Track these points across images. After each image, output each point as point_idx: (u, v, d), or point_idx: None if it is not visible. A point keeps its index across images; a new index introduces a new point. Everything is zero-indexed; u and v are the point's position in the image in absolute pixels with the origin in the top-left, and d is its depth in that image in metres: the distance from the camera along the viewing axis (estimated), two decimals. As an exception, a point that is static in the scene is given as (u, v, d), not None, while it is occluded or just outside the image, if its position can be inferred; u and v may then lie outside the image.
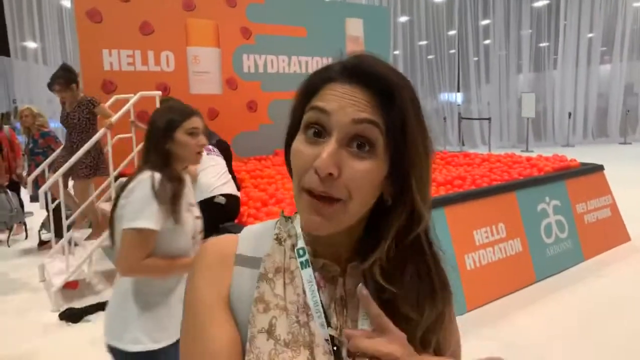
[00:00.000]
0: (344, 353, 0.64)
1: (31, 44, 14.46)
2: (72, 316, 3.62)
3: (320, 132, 0.60)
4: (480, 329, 3.20)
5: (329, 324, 0.65)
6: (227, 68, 6.56)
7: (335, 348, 0.64)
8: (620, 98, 15.89)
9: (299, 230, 0.70)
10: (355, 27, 7.72)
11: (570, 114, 15.61)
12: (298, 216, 0.71)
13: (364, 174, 0.59)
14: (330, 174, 0.58)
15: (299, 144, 0.62)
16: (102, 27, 5.54)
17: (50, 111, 10.57)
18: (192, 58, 6.23)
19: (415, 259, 0.67)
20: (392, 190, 0.64)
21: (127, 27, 5.70)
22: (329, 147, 0.58)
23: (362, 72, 0.61)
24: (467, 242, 3.79)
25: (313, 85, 0.64)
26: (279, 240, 0.70)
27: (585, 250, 4.62)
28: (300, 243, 0.69)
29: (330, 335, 0.64)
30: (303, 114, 0.64)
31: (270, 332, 0.63)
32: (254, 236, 0.73)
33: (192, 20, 6.19)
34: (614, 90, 15.94)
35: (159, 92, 4.46)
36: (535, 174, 4.74)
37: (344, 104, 0.60)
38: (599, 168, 5.25)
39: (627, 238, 5.10)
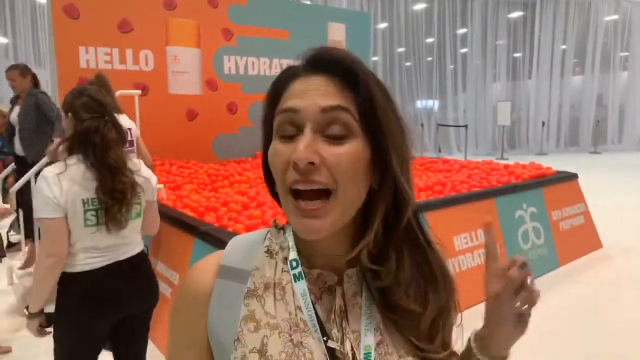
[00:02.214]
0: None
1: (2, 40, 14.04)
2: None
3: (293, 133, 0.59)
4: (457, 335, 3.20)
5: (328, 337, 0.61)
6: (208, 69, 6.48)
7: None
8: (592, 109, 16.39)
9: (291, 242, 0.66)
10: (337, 32, 7.75)
11: (543, 123, 16.00)
12: (290, 226, 0.67)
13: (345, 157, 0.58)
14: (311, 163, 0.56)
15: (275, 146, 0.61)
16: (79, 23, 5.40)
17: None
18: (172, 58, 6.14)
19: (411, 247, 0.65)
20: (377, 176, 0.62)
21: (105, 24, 5.58)
22: (304, 137, 0.57)
23: (321, 60, 0.61)
24: (447, 247, 3.79)
25: (278, 89, 0.64)
26: (269, 253, 0.67)
27: (560, 257, 4.71)
28: (293, 254, 0.65)
29: (330, 349, 0.61)
30: (272, 120, 0.63)
31: (262, 352, 0.60)
32: (241, 247, 0.69)
33: (173, 20, 6.10)
34: (585, 101, 16.42)
35: (138, 91, 4.36)
36: (512, 181, 4.82)
37: (311, 95, 0.59)
38: (573, 176, 5.37)
39: (599, 245, 5.22)
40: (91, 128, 1.76)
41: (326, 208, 0.58)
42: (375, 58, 16.05)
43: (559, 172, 5.37)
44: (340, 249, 0.65)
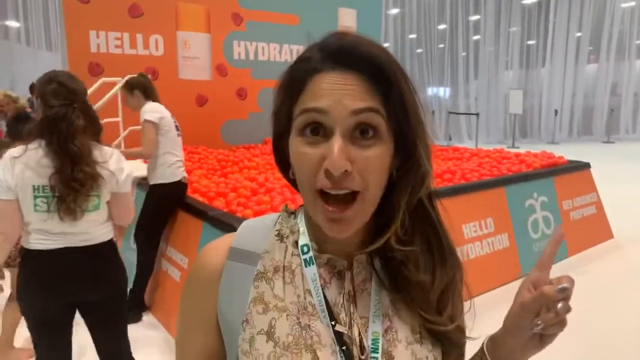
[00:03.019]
0: (354, 351, 0.61)
1: (14, 24, 14.07)
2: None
3: (317, 129, 0.58)
4: (465, 322, 3.21)
5: (336, 322, 0.62)
6: (217, 54, 6.47)
7: (344, 347, 0.61)
8: (606, 97, 16.11)
9: (302, 227, 0.66)
10: (348, 17, 7.68)
11: (556, 112, 15.78)
12: (302, 211, 0.69)
13: (375, 161, 0.57)
14: (346, 171, 0.55)
15: (299, 147, 0.58)
16: (90, 7, 5.40)
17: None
18: (182, 43, 6.13)
19: (423, 223, 0.65)
20: (397, 164, 0.62)
21: (115, 9, 5.57)
22: (336, 143, 0.55)
23: (348, 55, 0.57)
24: (456, 235, 3.78)
25: (296, 80, 0.60)
26: (280, 237, 0.68)
27: (570, 247, 4.68)
28: (304, 239, 0.66)
29: (338, 333, 0.61)
30: (291, 113, 0.60)
31: (269, 333, 0.61)
32: (252, 230, 0.70)
33: (183, 5, 6.08)
34: (599, 89, 16.15)
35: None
36: (523, 169, 4.77)
37: (339, 96, 0.56)
38: (585, 166, 5.30)
39: (610, 235, 5.18)
40: (59, 115, 1.75)
41: (354, 210, 0.58)
42: (386, 44, 15.86)
43: (571, 162, 5.31)
44: (356, 237, 0.65)
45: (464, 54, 16.78)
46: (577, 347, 3.06)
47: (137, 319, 3.33)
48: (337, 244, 0.65)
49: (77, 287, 1.86)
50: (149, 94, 3.39)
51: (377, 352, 0.61)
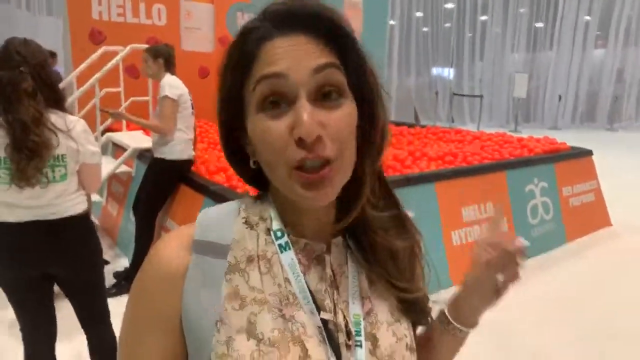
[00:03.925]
0: (340, 338, 0.59)
1: (14, -13, 13.81)
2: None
3: (278, 102, 0.53)
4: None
5: (321, 309, 0.59)
6: (221, 26, 6.37)
7: (330, 335, 0.58)
8: (611, 84, 15.96)
9: (273, 212, 0.62)
10: (354, -7, 7.53)
11: (560, 97, 15.66)
12: (267, 195, 0.65)
13: (345, 122, 0.54)
14: (319, 136, 0.52)
15: (261, 123, 0.54)
16: (92, -27, 5.29)
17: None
18: (185, 13, 6.03)
19: (384, 191, 0.67)
20: (362, 124, 0.58)
21: (118, -25, 5.46)
22: (304, 108, 0.51)
23: (297, 17, 0.54)
24: (455, 218, 3.81)
25: (246, 54, 0.55)
26: (249, 224, 0.61)
27: (568, 233, 4.69)
28: (276, 224, 0.61)
29: (323, 321, 0.58)
30: (243, 95, 0.56)
31: (250, 331, 0.55)
32: (215, 220, 0.62)
33: (187, -27, 5.95)
34: (604, 76, 15.98)
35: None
36: (525, 154, 4.76)
37: (295, 57, 0.53)
38: (587, 153, 5.29)
39: (608, 223, 5.19)
40: (2, 80, 1.68)
41: (331, 174, 0.54)
42: (392, 22, 15.66)
43: (573, 148, 5.29)
44: (328, 215, 0.62)
45: (470, 34, 16.55)
46: (574, 331, 3.10)
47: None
48: (313, 227, 0.62)
49: (44, 260, 1.83)
50: (170, 66, 3.36)
51: (361, 335, 0.60)
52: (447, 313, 0.73)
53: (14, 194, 1.73)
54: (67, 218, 1.85)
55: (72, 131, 1.80)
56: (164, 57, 3.32)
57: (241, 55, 0.56)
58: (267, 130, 0.53)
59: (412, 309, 0.68)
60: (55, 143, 1.75)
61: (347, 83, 0.55)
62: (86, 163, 1.88)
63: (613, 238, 4.88)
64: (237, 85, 0.57)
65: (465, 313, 0.72)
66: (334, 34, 0.55)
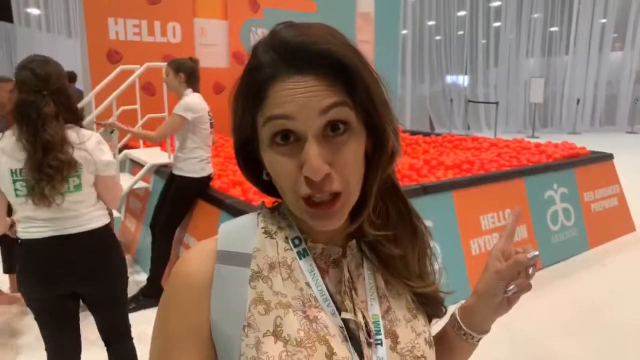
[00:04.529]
0: (361, 336, 0.61)
1: (35, 11, 14.22)
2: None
3: (287, 136, 0.56)
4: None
5: (341, 310, 0.62)
6: (234, 41, 6.46)
7: (352, 334, 0.61)
8: (630, 86, 15.65)
9: (289, 221, 0.66)
10: (366, 4, 7.57)
11: (578, 101, 15.42)
12: (284, 205, 0.67)
13: (352, 157, 0.57)
14: (326, 174, 0.55)
15: (273, 157, 0.57)
16: (108, -6, 5.42)
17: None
18: (199, 30, 6.12)
19: (394, 197, 0.69)
20: (369, 149, 0.62)
21: (133, -4, 5.58)
22: (311, 149, 0.54)
23: (304, 55, 0.55)
24: (474, 227, 3.76)
25: (254, 89, 0.58)
26: (268, 233, 0.65)
27: (591, 239, 4.59)
28: (293, 233, 0.65)
29: (345, 321, 0.61)
30: (255, 122, 0.59)
31: (277, 333, 0.58)
32: (235, 231, 0.66)
33: (200, -9, 6.06)
34: (623, 78, 15.70)
35: (165, 64, 4.36)
36: (544, 160, 4.69)
37: (303, 99, 0.54)
38: (608, 157, 5.18)
39: (632, 228, 5.07)
40: (26, 102, 1.73)
41: (339, 205, 0.58)
42: (404, 31, 15.68)
43: (593, 153, 5.19)
44: (342, 225, 0.64)
45: (484, 41, 16.44)
46: (598, 339, 3.02)
47: (154, 305, 3.37)
48: (327, 232, 0.64)
49: (70, 278, 1.84)
50: (192, 81, 3.32)
51: (380, 334, 0.63)
52: (458, 319, 0.76)
53: (30, 206, 1.77)
54: (88, 232, 1.86)
55: (85, 143, 1.83)
56: (187, 72, 3.29)
57: (250, 91, 0.58)
58: (278, 165, 0.57)
59: (426, 301, 0.71)
60: (75, 161, 1.79)
61: (356, 116, 0.57)
62: (101, 175, 1.89)
63: (638, 243, 4.76)
64: (248, 115, 0.60)
65: (476, 319, 0.75)
66: (341, 71, 0.55)
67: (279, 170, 0.57)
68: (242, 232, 0.65)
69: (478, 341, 0.76)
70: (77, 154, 1.80)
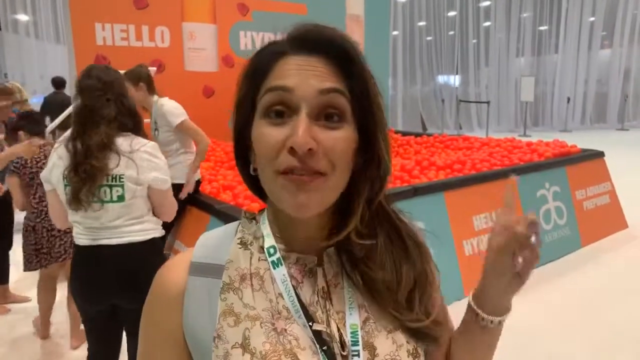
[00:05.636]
0: (335, 348, 0.59)
1: (23, 17, 14.11)
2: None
3: (282, 112, 0.56)
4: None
5: (314, 320, 0.60)
6: (224, 45, 6.41)
7: (325, 347, 0.59)
8: (620, 84, 15.79)
9: (265, 230, 0.65)
10: (356, 6, 7.56)
11: (569, 99, 15.51)
12: (264, 215, 0.67)
13: (342, 142, 0.57)
14: (310, 149, 0.54)
15: (262, 128, 0.57)
16: (95, 0, 5.37)
17: (42, 87, 10.37)
18: (188, 34, 6.08)
19: (383, 221, 0.66)
20: (362, 157, 0.61)
21: (120, 1, 5.53)
22: (302, 122, 0.54)
23: (314, 40, 0.58)
24: (466, 227, 3.75)
25: (262, 65, 0.60)
26: (243, 244, 0.65)
27: (583, 237, 4.60)
28: (269, 242, 0.63)
29: (317, 332, 0.59)
30: (255, 101, 0.60)
31: (244, 346, 0.58)
32: (212, 242, 0.67)
33: (188, -5, 6.02)
34: (613, 75, 15.83)
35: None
36: (535, 159, 4.69)
37: (305, 76, 0.56)
38: (599, 154, 5.20)
39: (624, 225, 5.08)
40: (87, 108, 1.76)
41: (318, 183, 0.56)
42: (395, 32, 15.71)
43: (584, 150, 5.21)
44: (322, 233, 0.63)
45: (474, 41, 16.51)
46: (593, 337, 3.01)
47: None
48: (305, 241, 0.63)
49: (110, 290, 1.81)
50: (152, 87, 3.19)
51: (358, 345, 0.60)
52: (474, 306, 0.70)
53: (74, 212, 1.78)
54: (130, 245, 1.80)
55: (135, 153, 1.78)
56: (145, 80, 3.12)
57: (257, 65, 0.60)
58: (266, 135, 0.56)
59: (417, 336, 0.65)
60: (112, 165, 1.74)
61: (351, 110, 0.58)
62: (152, 187, 1.84)
63: (630, 241, 4.77)
64: (250, 93, 0.60)
65: (490, 302, 0.69)
66: (344, 61, 0.58)
67: (264, 141, 0.56)
68: (219, 242, 0.66)
69: (498, 327, 0.70)
70: (124, 164, 1.75)
